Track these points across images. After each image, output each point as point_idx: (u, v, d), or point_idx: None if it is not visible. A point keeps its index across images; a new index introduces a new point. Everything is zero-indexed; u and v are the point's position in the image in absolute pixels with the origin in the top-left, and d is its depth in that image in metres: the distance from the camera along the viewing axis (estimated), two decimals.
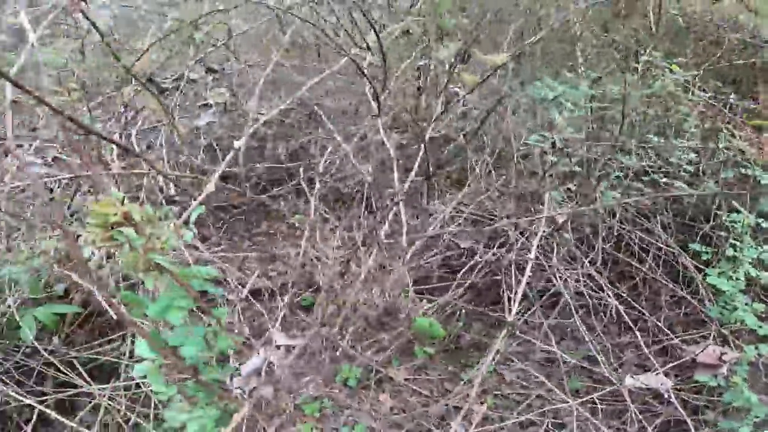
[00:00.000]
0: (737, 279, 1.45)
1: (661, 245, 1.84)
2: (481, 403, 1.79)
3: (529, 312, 1.89)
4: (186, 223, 0.80)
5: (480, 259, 2.00)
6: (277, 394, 1.03)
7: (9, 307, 1.82)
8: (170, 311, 0.78)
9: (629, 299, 1.78)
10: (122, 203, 0.65)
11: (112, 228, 0.64)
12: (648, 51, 1.92)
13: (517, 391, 1.89)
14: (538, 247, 1.65)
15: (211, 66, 2.58)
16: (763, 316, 1.50)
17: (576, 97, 1.84)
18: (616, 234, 1.89)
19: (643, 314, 1.74)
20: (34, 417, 1.75)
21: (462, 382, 1.92)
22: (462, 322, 2.20)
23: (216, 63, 2.74)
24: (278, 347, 1.22)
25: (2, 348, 1.88)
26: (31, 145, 1.91)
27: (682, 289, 1.85)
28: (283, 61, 2.60)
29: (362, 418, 1.89)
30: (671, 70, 1.80)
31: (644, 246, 1.92)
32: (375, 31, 1.50)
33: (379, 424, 1.83)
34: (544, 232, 1.66)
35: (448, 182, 2.47)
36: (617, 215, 1.84)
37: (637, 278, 1.96)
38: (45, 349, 1.81)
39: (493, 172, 2.13)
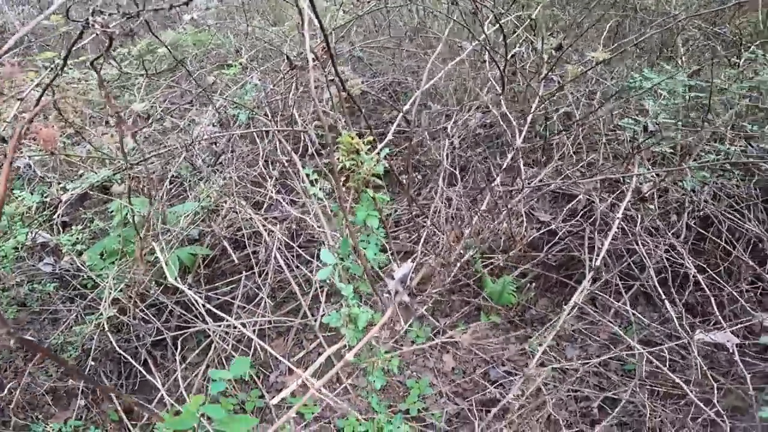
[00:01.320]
0: None
1: (750, 227, 1.94)
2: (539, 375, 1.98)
3: (608, 275, 2.04)
4: (378, 158, 1.10)
5: (559, 232, 2.17)
6: (411, 300, 1.31)
7: (161, 247, 2.20)
8: (369, 218, 1.10)
9: (708, 271, 1.91)
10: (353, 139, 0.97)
11: (352, 153, 0.95)
12: (752, 47, 2.00)
13: (572, 366, 2.04)
14: (622, 217, 1.83)
15: None
16: None
17: (672, 87, 1.97)
18: (702, 214, 2.01)
19: (719, 285, 1.86)
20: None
21: (528, 345, 2.09)
22: (533, 293, 2.35)
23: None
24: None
25: (145, 286, 2.27)
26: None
27: (764, 272, 1.94)
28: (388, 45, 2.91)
29: (426, 374, 2.11)
30: None
31: (731, 228, 2.02)
32: (500, 24, 1.74)
33: (441, 382, 2.06)
34: (629, 200, 1.82)
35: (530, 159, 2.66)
36: (703, 195, 1.95)
37: (720, 261, 2.05)
38: (187, 287, 2.16)
39: (584, 148, 2.28)
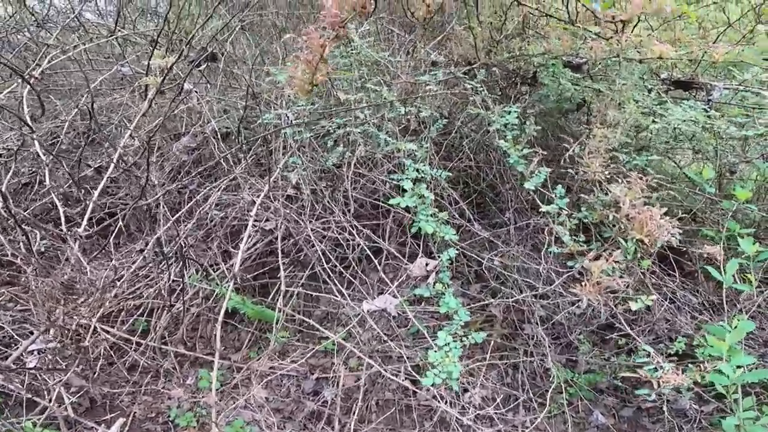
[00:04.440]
0: (420, 195, 1.81)
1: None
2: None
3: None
4: None
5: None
6: None
7: None
8: None
9: (372, 237, 2.10)
10: None
11: None
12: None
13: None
14: (289, 208, 1.87)
15: None
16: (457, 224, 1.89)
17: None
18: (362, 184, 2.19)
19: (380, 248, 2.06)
20: None
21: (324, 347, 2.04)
22: (295, 299, 2.19)
23: None
24: None
25: None
26: None
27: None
28: None
29: (241, 414, 1.89)
30: None
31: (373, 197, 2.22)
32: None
33: (260, 414, 1.87)
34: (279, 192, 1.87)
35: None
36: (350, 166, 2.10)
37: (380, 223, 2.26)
38: None
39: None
